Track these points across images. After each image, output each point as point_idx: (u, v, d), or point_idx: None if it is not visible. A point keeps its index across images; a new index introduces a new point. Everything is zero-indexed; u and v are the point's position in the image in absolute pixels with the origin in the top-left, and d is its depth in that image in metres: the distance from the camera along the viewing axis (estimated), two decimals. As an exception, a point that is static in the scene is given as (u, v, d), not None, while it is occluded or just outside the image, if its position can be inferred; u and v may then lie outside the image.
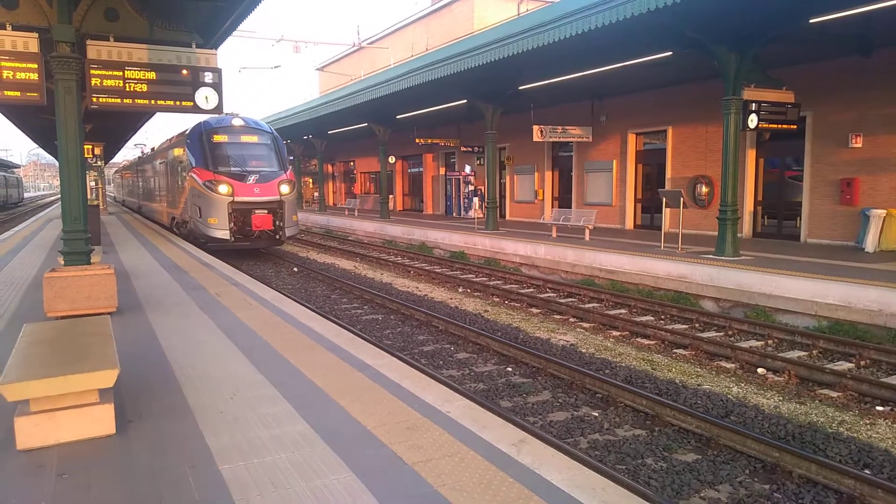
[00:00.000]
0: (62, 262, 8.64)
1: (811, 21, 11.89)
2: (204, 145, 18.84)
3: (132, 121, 24.17)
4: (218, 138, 19.07)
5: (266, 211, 18.24)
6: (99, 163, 31.97)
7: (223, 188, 17.78)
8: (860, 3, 11.04)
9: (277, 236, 18.63)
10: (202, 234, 18.21)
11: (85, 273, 8.11)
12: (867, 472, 5.59)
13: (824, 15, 11.64)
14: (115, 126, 24.00)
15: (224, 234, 17.83)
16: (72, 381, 4.19)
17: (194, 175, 18.47)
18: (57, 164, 10.27)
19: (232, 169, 18.46)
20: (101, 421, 4.38)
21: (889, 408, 7.27)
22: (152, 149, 31.46)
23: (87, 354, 4.64)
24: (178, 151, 21.17)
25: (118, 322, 7.71)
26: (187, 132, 19.88)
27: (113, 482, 3.71)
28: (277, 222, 18.44)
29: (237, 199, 17.90)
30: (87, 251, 8.68)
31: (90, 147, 27.24)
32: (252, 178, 18.26)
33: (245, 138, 19.49)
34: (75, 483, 3.70)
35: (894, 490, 5.08)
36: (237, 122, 19.71)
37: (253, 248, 19.45)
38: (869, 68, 14.96)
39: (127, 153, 64.85)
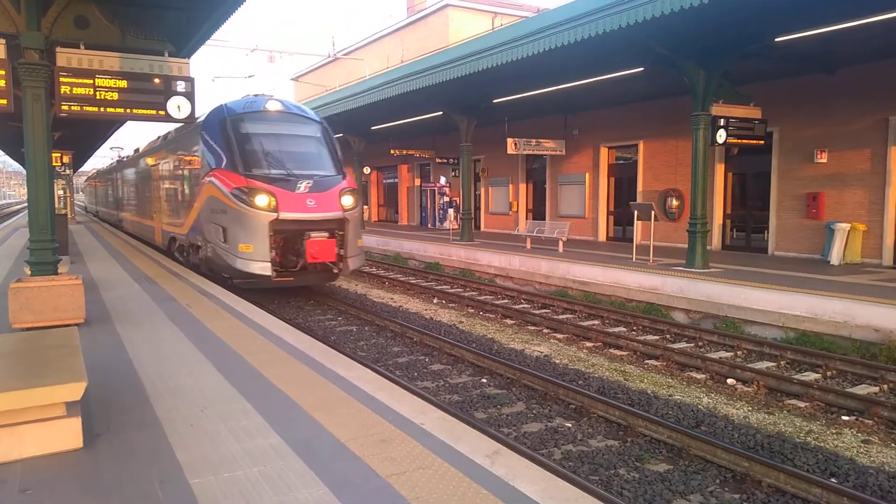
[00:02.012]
0: (28, 273, 8.45)
1: (777, 40, 12.22)
2: (229, 137, 12.88)
3: (102, 129, 23.83)
4: (249, 128, 13.15)
5: (325, 233, 12.41)
6: (67, 171, 31.36)
7: (262, 199, 11.88)
8: (821, 23, 11.38)
9: (337, 269, 13.00)
10: (226, 267, 12.50)
11: (52, 283, 7.94)
12: (833, 480, 5.70)
13: (789, 34, 11.97)
14: (84, 134, 23.63)
15: (263, 267, 11.95)
16: (37, 395, 4.10)
17: (215, 180, 12.64)
18: (24, 172, 10.07)
19: (272, 172, 12.55)
20: (67, 435, 4.28)
21: (854, 417, 7.43)
22: (136, 150, 25.84)
23: (53, 367, 4.53)
24: (185, 148, 15.48)
25: (86, 334, 7.56)
26: (201, 120, 13.79)
27: (79, 497, 3.62)
28: (340, 250, 12.68)
29: (283, 215, 11.94)
30: (55, 261, 8.51)
31: (59, 155, 26.74)
32: (303, 186, 12.38)
33: (286, 129, 13.64)
34: (39, 499, 3.61)
35: (860, 498, 5.19)
36: (273, 105, 13.72)
37: (299, 285, 13.75)
38: (833, 85, 15.39)
39: (97, 162, 63.64)
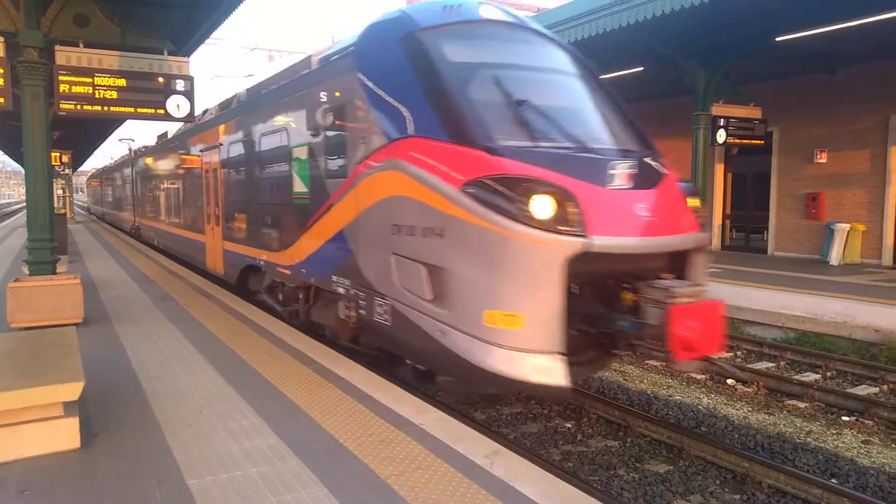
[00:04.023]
0: (27, 272, 8.43)
1: (777, 39, 12.21)
2: (435, 72, 5.94)
3: (101, 128, 23.80)
4: (471, 54, 6.37)
5: (669, 275, 5.65)
6: (67, 171, 31.38)
7: (545, 205, 5.00)
8: (822, 23, 11.38)
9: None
10: (441, 356, 5.54)
11: (50, 283, 7.93)
12: (834, 481, 5.69)
13: (790, 34, 11.96)
14: (83, 133, 23.61)
15: (549, 370, 4.97)
16: (35, 394, 4.08)
17: (409, 164, 5.78)
18: (23, 171, 10.06)
19: (550, 144, 5.64)
20: (65, 435, 4.26)
21: (854, 418, 7.42)
22: (161, 136, 19.82)
23: (51, 366, 4.52)
24: (294, 106, 8.46)
25: (84, 333, 7.53)
26: (345, 47, 7.76)
27: (77, 498, 3.61)
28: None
29: (599, 242, 5.02)
30: (53, 261, 8.48)
31: (58, 155, 26.72)
32: (621, 174, 5.44)
33: (533, 57, 6.71)
34: (37, 499, 3.59)
35: (860, 499, 5.18)
36: (492, 12, 6.86)
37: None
38: (834, 86, 15.39)
39: (96, 161, 63.39)
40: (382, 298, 6.02)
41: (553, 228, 4.89)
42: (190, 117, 8.83)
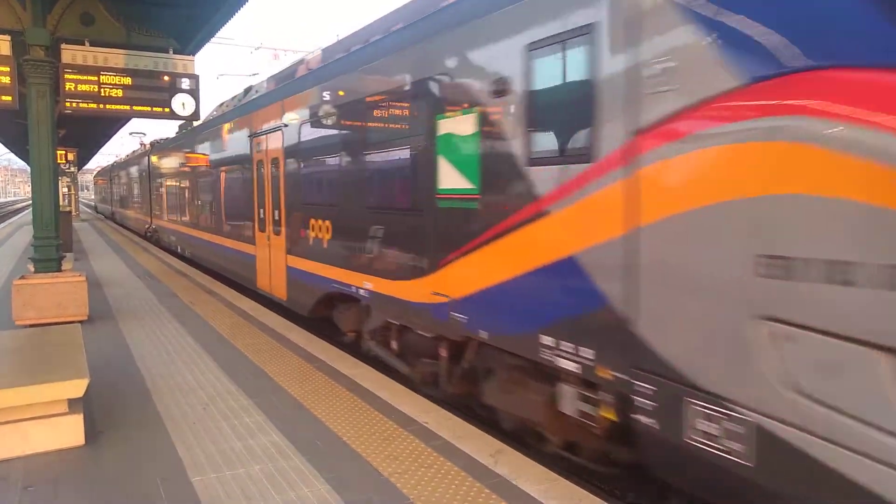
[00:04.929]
0: (32, 270, 8.46)
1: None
2: None
3: (107, 126, 23.86)
4: None
5: None
6: (72, 169, 31.49)
7: None
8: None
9: None
10: None
11: (55, 280, 7.95)
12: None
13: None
14: (89, 131, 23.68)
15: None
16: (40, 391, 4.10)
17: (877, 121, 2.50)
18: (29, 169, 10.11)
19: None
20: (69, 432, 4.27)
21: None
22: (189, 128, 15.82)
23: (56, 364, 4.54)
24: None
25: (89, 331, 7.56)
26: None
27: (81, 495, 3.62)
28: None
29: None
30: (58, 258, 8.51)
31: (63, 153, 26.85)
32: None
33: None
34: (42, 496, 3.60)
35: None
36: None
37: None
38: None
39: (101, 160, 63.46)
40: (722, 407, 3.15)
41: None
42: (195, 116, 8.86)
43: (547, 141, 4.23)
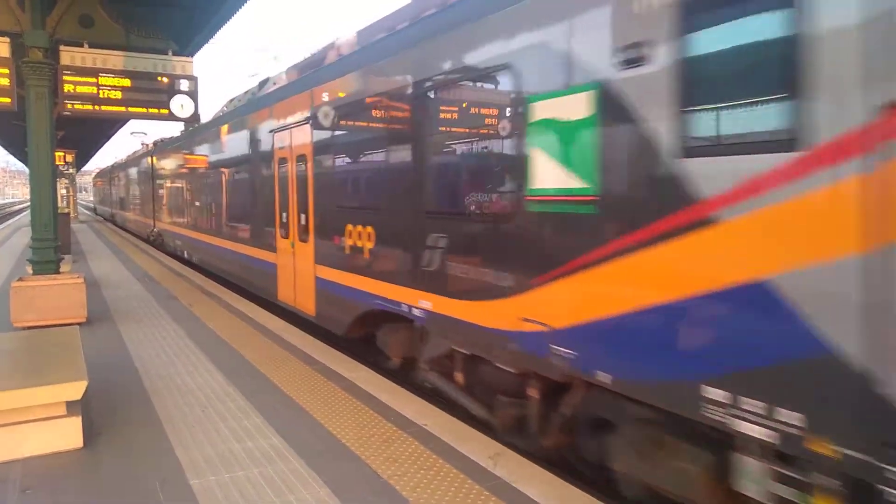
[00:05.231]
0: (30, 271, 8.45)
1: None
2: None
3: (105, 128, 23.87)
4: None
5: None
6: (70, 170, 31.50)
7: None
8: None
9: None
10: None
11: (54, 282, 7.94)
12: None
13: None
14: (87, 133, 23.69)
15: None
16: (38, 394, 4.09)
17: None
18: (27, 170, 10.07)
19: None
20: (68, 434, 4.26)
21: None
22: (211, 120, 14.34)
23: (54, 366, 4.53)
24: None
25: (87, 333, 7.55)
26: None
27: (80, 497, 3.61)
28: None
29: None
30: (57, 260, 8.50)
31: (61, 154, 26.86)
32: None
33: None
34: (40, 498, 3.59)
35: None
36: None
37: None
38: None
39: (99, 161, 63.35)
40: None
41: None
42: (194, 117, 8.85)
43: (716, 123, 3.14)
